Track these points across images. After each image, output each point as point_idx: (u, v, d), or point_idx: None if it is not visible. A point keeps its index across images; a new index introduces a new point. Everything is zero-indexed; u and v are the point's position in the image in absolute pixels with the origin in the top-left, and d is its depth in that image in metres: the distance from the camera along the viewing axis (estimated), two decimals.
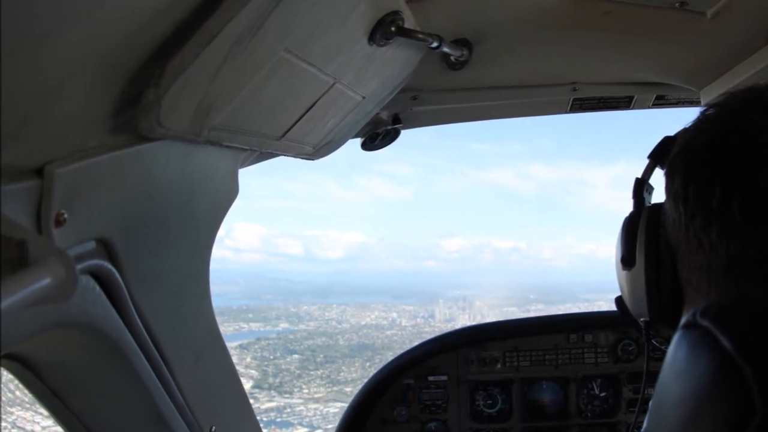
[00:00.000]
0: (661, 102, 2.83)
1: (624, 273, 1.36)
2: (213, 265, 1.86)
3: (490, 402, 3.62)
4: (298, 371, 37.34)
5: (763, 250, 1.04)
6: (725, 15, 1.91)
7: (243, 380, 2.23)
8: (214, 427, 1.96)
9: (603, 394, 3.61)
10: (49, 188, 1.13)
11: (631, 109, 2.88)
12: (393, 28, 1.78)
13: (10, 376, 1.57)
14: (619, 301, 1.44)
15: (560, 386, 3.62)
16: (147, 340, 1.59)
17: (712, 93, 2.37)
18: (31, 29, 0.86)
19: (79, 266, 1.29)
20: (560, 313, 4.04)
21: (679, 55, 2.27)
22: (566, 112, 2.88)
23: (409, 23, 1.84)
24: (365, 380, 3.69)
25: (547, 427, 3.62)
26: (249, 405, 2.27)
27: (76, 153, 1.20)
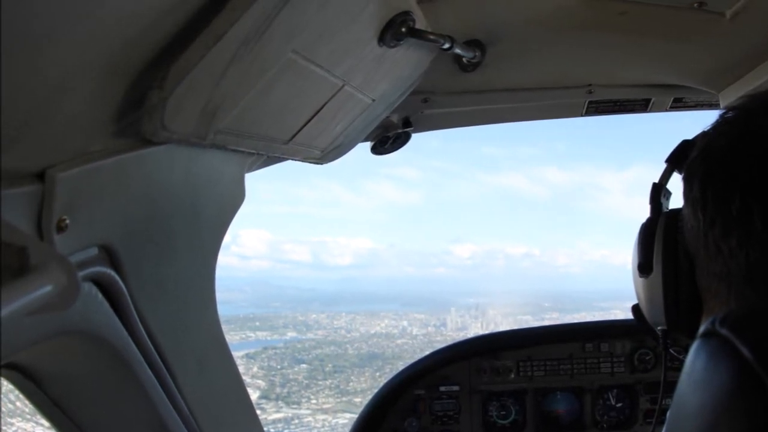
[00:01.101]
0: (679, 105, 2.80)
1: (641, 280, 1.33)
2: (219, 272, 1.84)
3: (503, 413, 3.58)
4: (306, 381, 37.31)
5: None
6: (744, 16, 1.89)
7: (250, 390, 2.21)
8: None
9: (619, 405, 3.56)
10: (50, 193, 1.11)
11: (648, 112, 2.85)
12: (404, 29, 1.75)
13: (11, 386, 1.56)
14: (635, 309, 1.41)
15: (575, 396, 3.58)
16: (150, 349, 1.57)
17: (732, 95, 2.33)
18: (32, 30, 0.84)
19: (81, 273, 1.28)
20: (575, 321, 4.01)
21: (697, 56, 2.24)
22: (581, 116, 2.85)
23: (420, 24, 1.81)
24: (375, 390, 3.67)
25: None
26: (256, 416, 2.25)
27: (78, 157, 1.18)
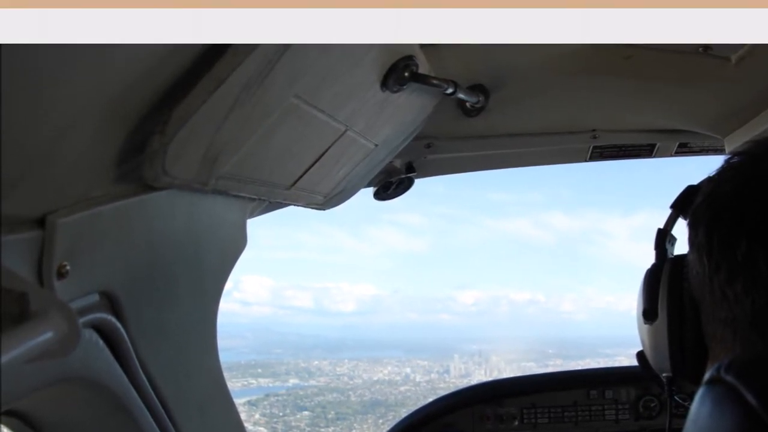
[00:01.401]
0: (684, 150, 2.79)
1: (646, 327, 1.31)
2: (220, 319, 1.82)
3: None
4: (308, 429, 36.95)
5: None
6: (750, 60, 1.88)
7: None
8: None
9: None
10: (50, 239, 1.10)
11: (653, 157, 2.83)
12: (406, 74, 1.75)
13: None
14: (640, 355, 1.39)
15: None
16: (152, 396, 1.55)
17: (737, 140, 2.32)
18: (34, 75, 0.83)
19: (81, 320, 1.26)
20: (579, 368, 3.98)
21: (702, 101, 2.24)
22: (586, 161, 2.84)
23: (423, 69, 1.82)
24: None
25: None
26: None
27: (79, 202, 1.17)
